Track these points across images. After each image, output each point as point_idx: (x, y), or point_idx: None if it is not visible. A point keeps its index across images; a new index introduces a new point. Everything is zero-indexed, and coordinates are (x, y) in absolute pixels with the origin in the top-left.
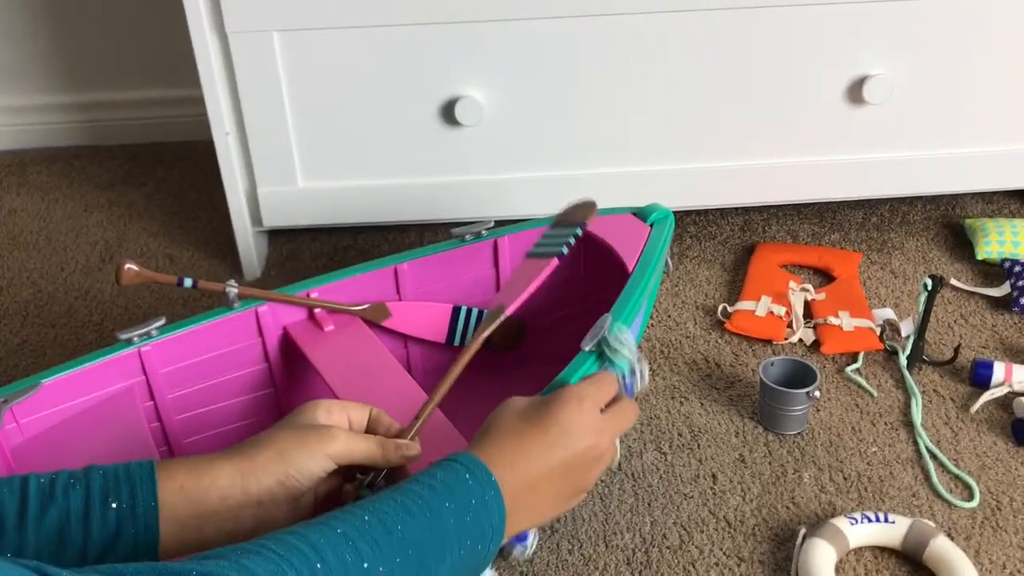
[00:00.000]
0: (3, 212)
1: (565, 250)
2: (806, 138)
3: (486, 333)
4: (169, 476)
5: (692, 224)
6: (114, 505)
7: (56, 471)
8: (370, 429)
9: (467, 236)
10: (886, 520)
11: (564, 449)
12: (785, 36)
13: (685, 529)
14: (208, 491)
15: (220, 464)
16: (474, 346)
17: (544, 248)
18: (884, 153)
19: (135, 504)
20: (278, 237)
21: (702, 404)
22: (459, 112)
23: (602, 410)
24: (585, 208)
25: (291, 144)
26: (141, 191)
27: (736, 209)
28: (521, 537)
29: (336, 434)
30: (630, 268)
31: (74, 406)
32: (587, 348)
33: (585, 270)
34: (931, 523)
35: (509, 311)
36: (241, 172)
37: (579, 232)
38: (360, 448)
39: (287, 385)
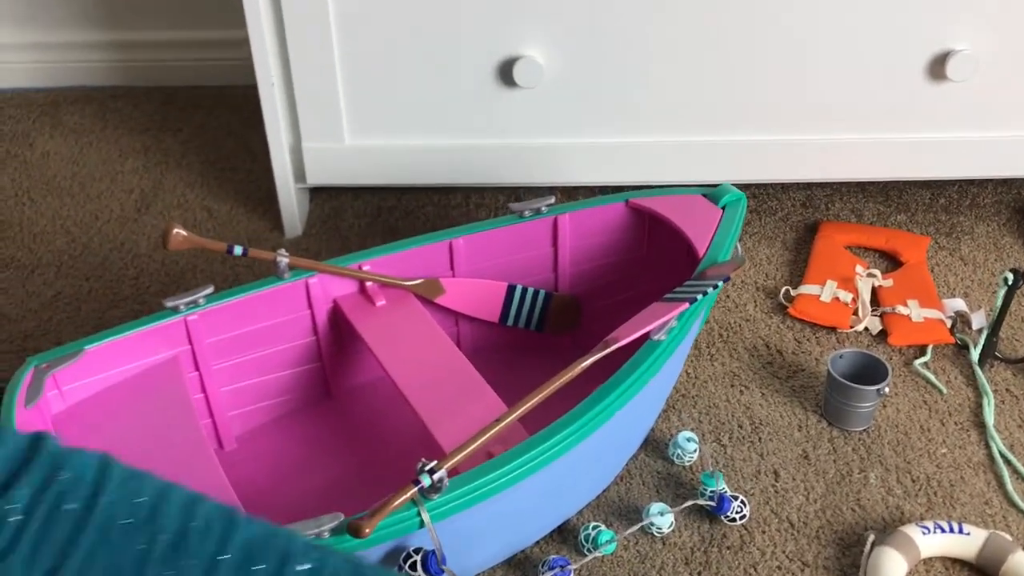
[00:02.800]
0: (36, 154)
1: (700, 297)
2: (880, 113)
3: (589, 362)
4: None
5: (751, 198)
6: None
7: None
8: None
9: (526, 212)
10: (960, 531)
11: None
12: (869, 4)
13: (746, 528)
14: None
15: None
16: (575, 371)
17: (679, 294)
18: (959, 132)
19: None
20: (320, 194)
21: (763, 394)
22: (517, 73)
23: None
24: (732, 264)
25: (339, 98)
26: (177, 137)
27: (798, 184)
28: None
29: None
30: (700, 252)
31: (117, 374)
32: (656, 337)
33: (649, 252)
34: (1008, 537)
35: (620, 344)
36: (286, 125)
37: (720, 284)
38: None
39: (335, 360)
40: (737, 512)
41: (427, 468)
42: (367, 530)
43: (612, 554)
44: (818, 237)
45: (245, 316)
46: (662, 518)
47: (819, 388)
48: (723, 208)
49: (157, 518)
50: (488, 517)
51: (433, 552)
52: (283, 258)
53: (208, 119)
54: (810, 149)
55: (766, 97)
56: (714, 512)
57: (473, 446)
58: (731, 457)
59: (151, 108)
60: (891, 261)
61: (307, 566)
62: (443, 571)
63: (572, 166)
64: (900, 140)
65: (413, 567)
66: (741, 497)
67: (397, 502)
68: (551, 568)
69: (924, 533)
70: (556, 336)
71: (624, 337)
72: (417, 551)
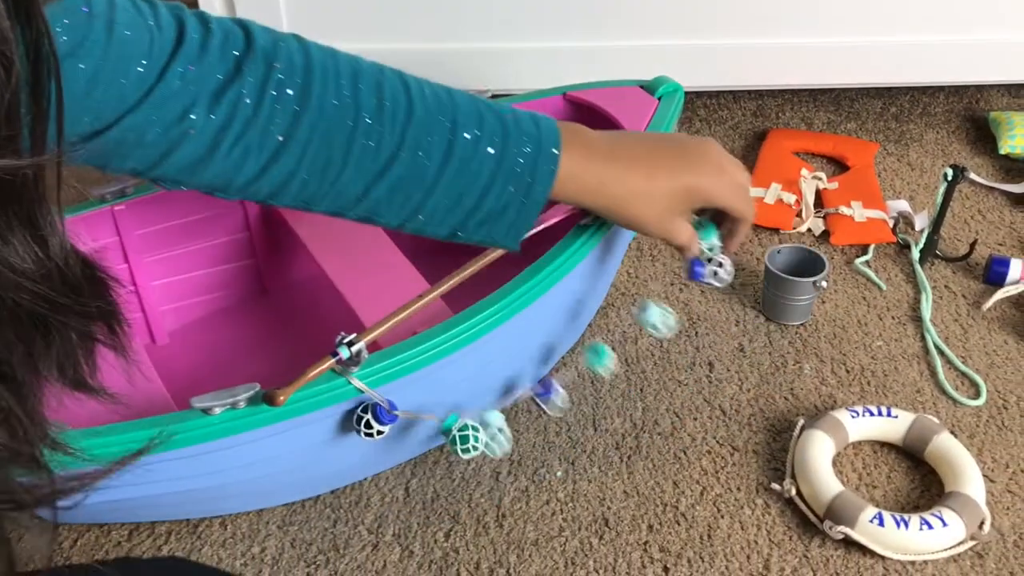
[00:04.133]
0: None
1: None
2: (827, 17)
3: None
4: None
5: (703, 107)
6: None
7: None
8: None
9: None
10: (888, 414)
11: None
12: None
13: (678, 416)
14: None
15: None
16: (497, 252)
17: None
18: (908, 36)
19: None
20: None
21: (702, 291)
22: None
23: None
24: None
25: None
26: None
27: (749, 93)
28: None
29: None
30: None
31: None
32: (584, 222)
33: None
34: (935, 419)
35: (545, 225)
36: None
37: None
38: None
39: (269, 256)
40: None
41: (345, 341)
42: (281, 398)
43: (543, 438)
44: (766, 143)
45: (174, 208)
46: (663, 318)
47: (759, 286)
48: (659, 99)
49: (358, 98)
50: (418, 393)
51: (378, 405)
52: None
53: None
54: (759, 55)
55: (712, 2)
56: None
57: (392, 321)
58: (667, 350)
59: None
60: (838, 166)
61: (474, 133)
62: (396, 416)
63: (520, 72)
64: (848, 44)
65: (368, 425)
66: (721, 260)
67: (313, 372)
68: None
69: (853, 417)
70: None
71: (547, 220)
72: (365, 409)
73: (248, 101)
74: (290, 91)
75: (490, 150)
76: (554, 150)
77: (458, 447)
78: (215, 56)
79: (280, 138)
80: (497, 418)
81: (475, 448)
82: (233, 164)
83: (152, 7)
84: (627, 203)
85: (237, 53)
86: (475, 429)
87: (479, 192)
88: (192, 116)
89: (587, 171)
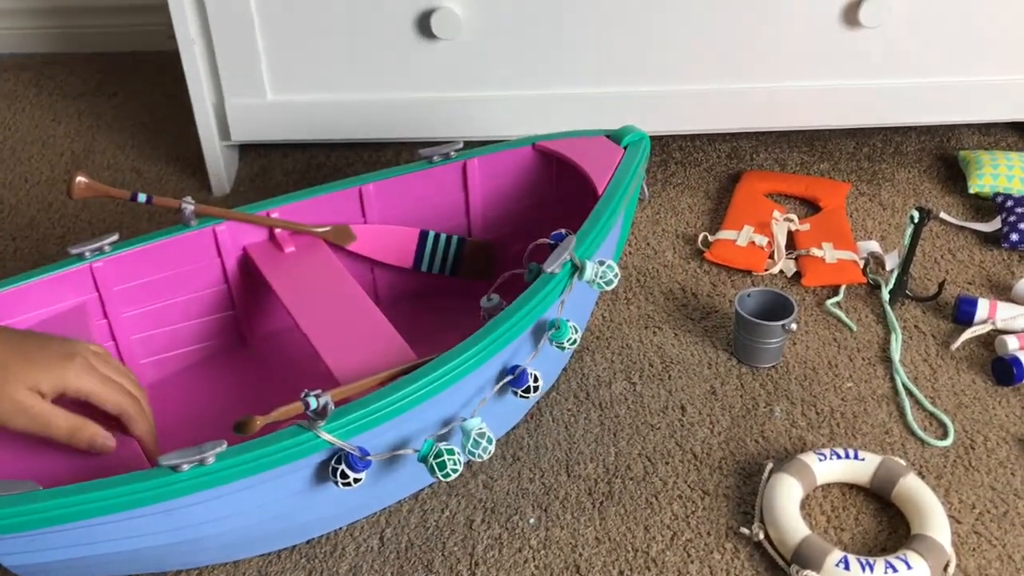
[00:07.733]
0: None
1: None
2: (798, 62)
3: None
4: None
5: (677, 150)
6: None
7: None
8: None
9: (435, 157)
10: (855, 457)
11: None
12: None
13: (650, 460)
14: None
15: None
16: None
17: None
18: (879, 80)
19: None
20: (249, 153)
21: (676, 335)
22: (435, 24)
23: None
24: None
25: (259, 54)
26: (111, 102)
27: (724, 135)
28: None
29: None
30: (600, 191)
31: (24, 320)
32: (550, 270)
33: (557, 195)
34: (901, 461)
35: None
36: (208, 83)
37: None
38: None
39: (248, 307)
40: None
41: (312, 394)
42: (259, 422)
43: (516, 485)
44: (739, 186)
45: (153, 263)
46: (608, 270)
47: (731, 329)
48: (625, 148)
49: None
50: (388, 440)
51: (350, 454)
52: (188, 205)
53: (144, 83)
54: (731, 99)
55: (687, 48)
56: None
57: (360, 383)
58: (640, 394)
59: (87, 74)
60: (810, 207)
61: None
62: (370, 461)
63: (496, 119)
64: (820, 88)
65: (344, 475)
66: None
67: (285, 409)
68: None
69: (820, 460)
70: (474, 281)
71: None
72: (339, 460)
73: None
74: None
75: None
76: None
77: (438, 474)
78: None
79: None
80: (476, 424)
81: (455, 471)
82: None
83: None
84: None
85: None
86: (450, 452)
87: None
88: None
89: None
